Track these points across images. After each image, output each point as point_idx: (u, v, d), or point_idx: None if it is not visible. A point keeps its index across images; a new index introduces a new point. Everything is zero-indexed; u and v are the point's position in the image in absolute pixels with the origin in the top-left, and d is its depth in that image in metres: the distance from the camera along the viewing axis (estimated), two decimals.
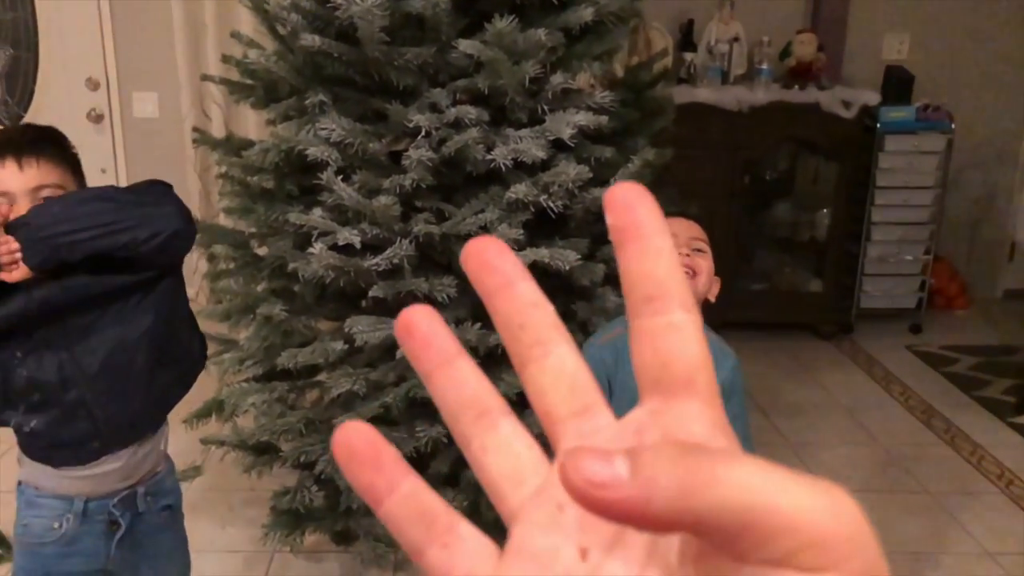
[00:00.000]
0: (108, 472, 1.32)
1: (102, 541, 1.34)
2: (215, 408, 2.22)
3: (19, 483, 1.35)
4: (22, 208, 1.19)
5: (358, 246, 1.88)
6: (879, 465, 2.84)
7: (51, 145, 1.25)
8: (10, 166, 1.19)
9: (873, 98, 3.62)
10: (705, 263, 1.46)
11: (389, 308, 1.99)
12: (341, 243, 1.88)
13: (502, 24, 1.78)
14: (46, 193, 1.21)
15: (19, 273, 1.18)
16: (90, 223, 1.19)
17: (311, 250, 1.88)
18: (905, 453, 2.91)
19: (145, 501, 1.38)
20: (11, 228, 1.17)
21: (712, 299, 1.47)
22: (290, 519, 2.11)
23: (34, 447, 1.30)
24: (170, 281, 1.34)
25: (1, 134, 1.25)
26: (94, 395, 1.27)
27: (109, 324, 1.27)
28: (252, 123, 3.54)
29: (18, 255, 1.16)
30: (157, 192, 1.28)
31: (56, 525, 1.31)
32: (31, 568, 1.33)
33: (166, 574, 1.47)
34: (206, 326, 1.52)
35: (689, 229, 1.48)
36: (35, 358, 1.24)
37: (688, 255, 1.44)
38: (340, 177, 1.88)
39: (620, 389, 1.51)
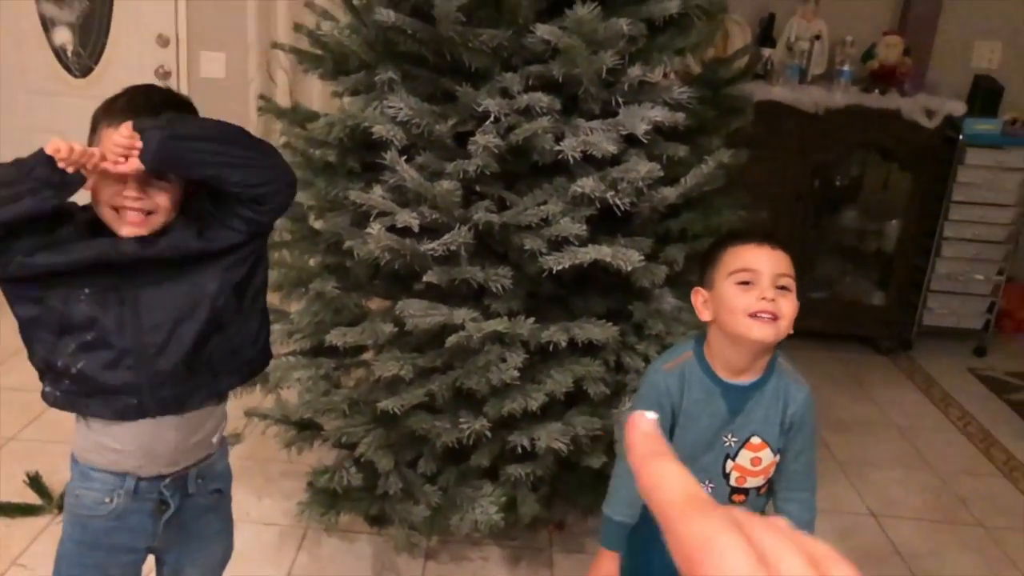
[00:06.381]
0: (157, 453, 1.30)
1: (150, 519, 1.33)
2: (261, 379, 2.21)
3: (73, 457, 1.34)
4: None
5: (416, 229, 1.83)
6: (932, 492, 2.73)
7: (188, 109, 1.27)
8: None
9: (958, 108, 3.46)
10: (789, 306, 1.33)
11: (443, 294, 1.94)
12: (399, 225, 1.84)
13: (583, 11, 1.71)
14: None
15: (126, 166, 1.16)
16: (223, 148, 1.20)
17: (368, 230, 1.84)
18: (960, 482, 2.80)
19: (196, 484, 1.37)
20: (140, 127, 1.17)
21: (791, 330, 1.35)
22: (326, 498, 2.10)
23: (76, 394, 1.27)
24: (251, 252, 1.32)
25: (132, 95, 1.25)
26: (143, 347, 1.25)
27: (179, 283, 1.26)
28: (316, 92, 3.52)
29: (135, 151, 1.15)
30: (273, 147, 1.29)
31: (107, 499, 1.30)
32: (79, 538, 1.33)
33: (209, 554, 1.45)
34: None
35: (775, 263, 1.35)
36: (100, 297, 1.23)
37: (772, 299, 1.32)
38: (404, 158, 1.83)
39: (686, 419, 1.42)
